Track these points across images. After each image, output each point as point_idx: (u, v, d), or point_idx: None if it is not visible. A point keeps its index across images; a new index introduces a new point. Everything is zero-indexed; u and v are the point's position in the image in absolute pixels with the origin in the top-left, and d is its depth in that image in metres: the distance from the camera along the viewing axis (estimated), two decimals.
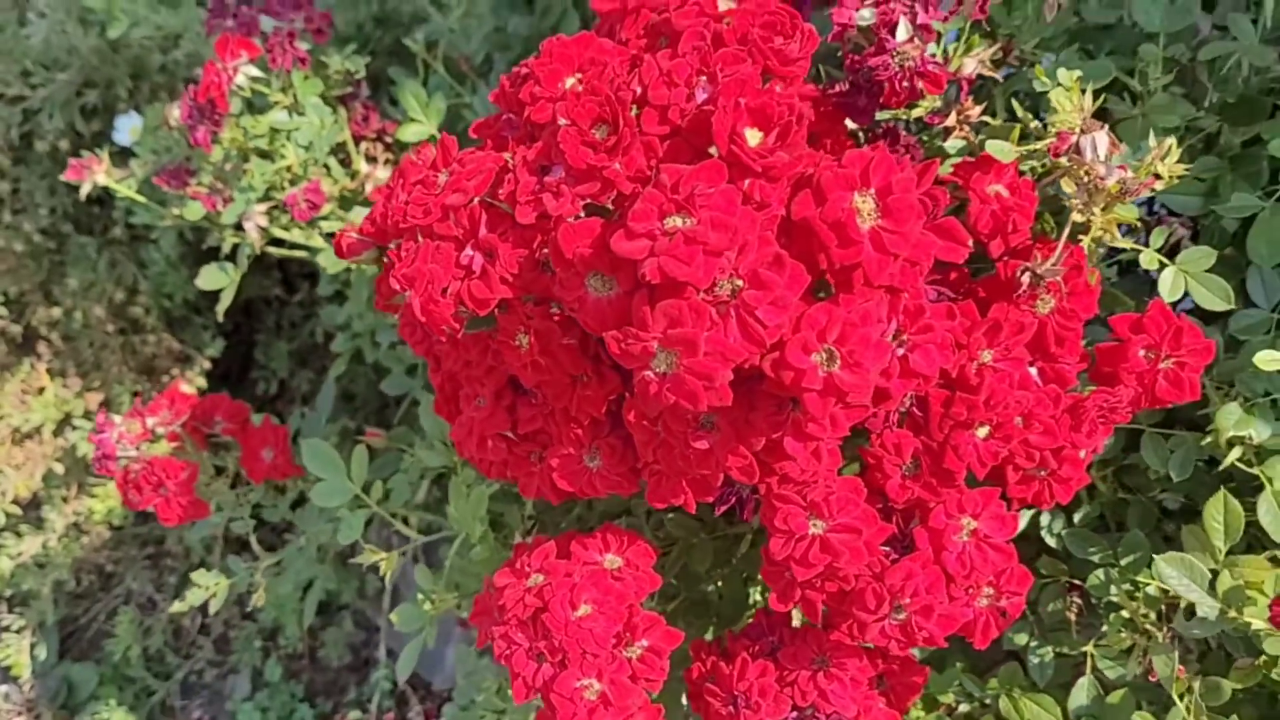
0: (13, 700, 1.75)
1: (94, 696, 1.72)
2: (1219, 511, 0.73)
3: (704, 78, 0.58)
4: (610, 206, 0.59)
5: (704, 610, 0.92)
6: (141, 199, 1.05)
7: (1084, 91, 0.67)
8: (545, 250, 0.60)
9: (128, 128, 1.16)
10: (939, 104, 0.72)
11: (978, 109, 0.72)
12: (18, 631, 1.59)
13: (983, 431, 0.67)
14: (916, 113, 0.71)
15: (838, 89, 0.69)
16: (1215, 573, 0.72)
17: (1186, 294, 0.71)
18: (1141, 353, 0.70)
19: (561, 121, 0.58)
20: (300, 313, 1.54)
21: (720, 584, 0.92)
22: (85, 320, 1.34)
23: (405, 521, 0.99)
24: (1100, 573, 0.87)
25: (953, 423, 0.67)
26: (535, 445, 0.76)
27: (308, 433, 1.05)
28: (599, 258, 0.57)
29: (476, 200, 0.62)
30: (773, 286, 0.54)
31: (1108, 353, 0.71)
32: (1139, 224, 0.73)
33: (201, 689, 1.74)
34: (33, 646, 1.65)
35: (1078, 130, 0.66)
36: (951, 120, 0.72)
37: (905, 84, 0.65)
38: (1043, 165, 0.72)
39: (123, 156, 1.15)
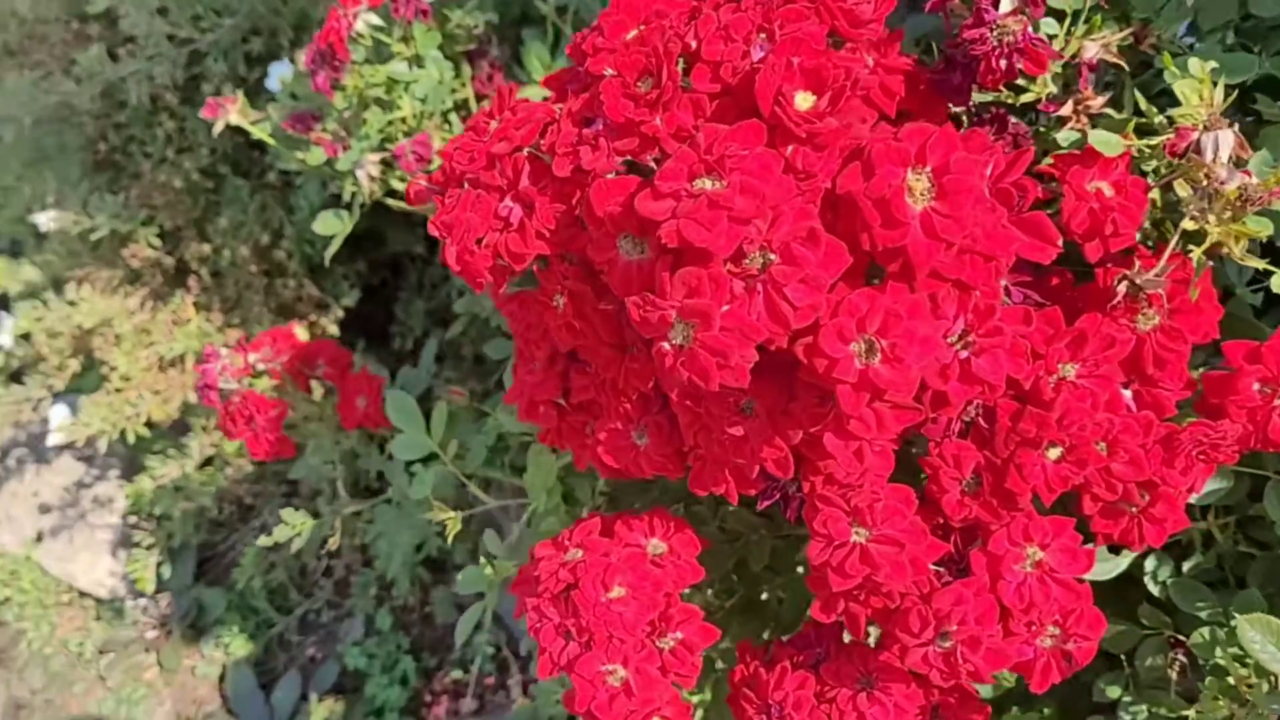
0: (149, 614, 1.85)
1: (219, 621, 1.80)
2: None
3: (763, 35, 0.54)
4: (653, 166, 0.56)
5: (761, 613, 0.87)
6: (272, 141, 1.07)
7: (1215, 85, 0.59)
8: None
9: (279, 75, 1.19)
10: (1055, 91, 0.66)
11: (1100, 100, 0.65)
12: (148, 549, 1.67)
13: (1054, 453, 0.61)
14: (1027, 98, 0.65)
15: (934, 65, 0.63)
16: None
17: None
18: (1256, 386, 0.62)
19: (608, 72, 0.55)
20: (440, 273, 1.56)
21: (782, 588, 0.87)
22: (233, 259, 1.40)
23: (486, 486, 0.98)
24: (1207, 630, 0.78)
25: (1019, 439, 0.60)
26: (588, 416, 0.74)
27: (406, 387, 1.05)
28: (628, 218, 0.53)
29: (525, 151, 0.60)
30: (805, 263, 0.50)
31: (1216, 382, 0.63)
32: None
33: (319, 628, 1.80)
34: (159, 565, 1.74)
35: (1201, 127, 0.58)
36: (1067, 109, 0.65)
37: (1003, 61, 0.59)
38: (1166, 166, 0.64)
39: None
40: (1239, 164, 0.58)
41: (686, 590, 0.83)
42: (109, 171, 1.43)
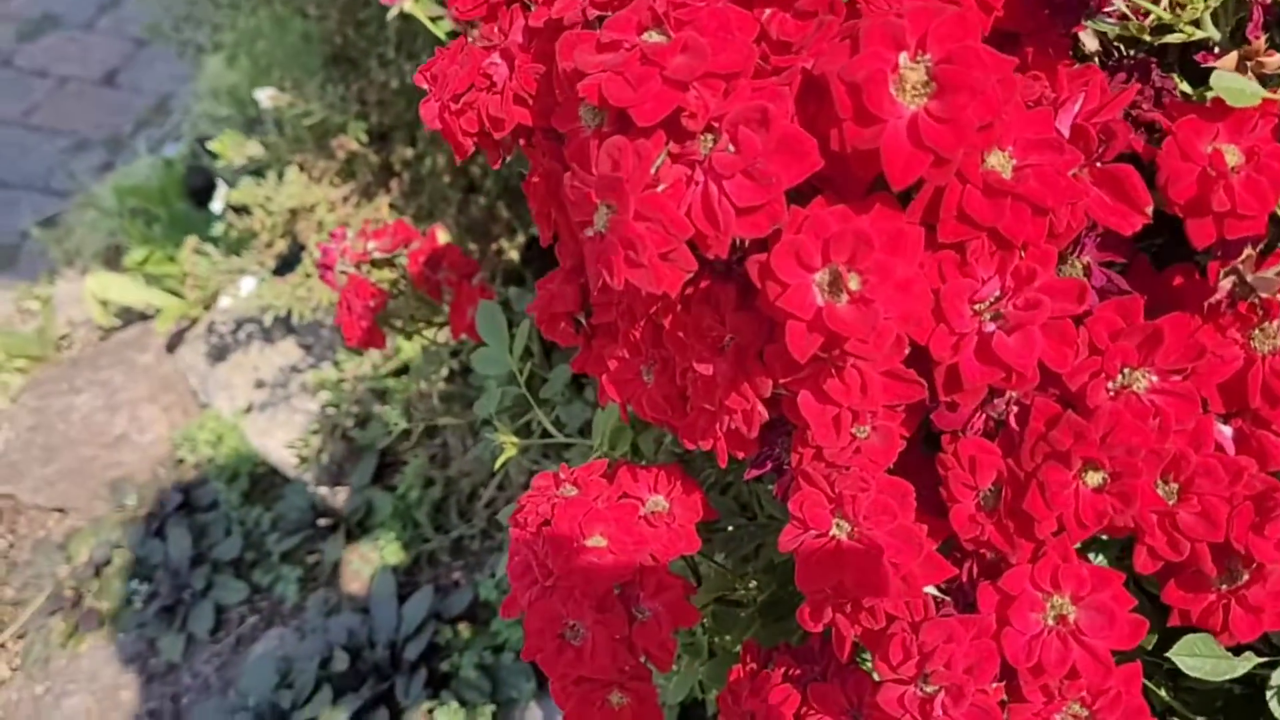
0: (328, 504, 1.93)
1: (384, 525, 1.84)
2: None
3: None
4: None
5: (785, 613, 0.76)
6: (439, 31, 1.05)
7: None
8: None
9: None
10: (1219, 36, 0.51)
11: (1278, 56, 0.50)
12: (317, 434, 1.72)
13: (1094, 478, 0.47)
14: (1174, 38, 0.51)
15: None
16: None
17: None
18: None
19: None
20: None
21: None
22: (433, 167, 1.40)
23: (558, 420, 0.92)
24: None
25: (1049, 451, 0.47)
26: (608, 340, 0.66)
27: (519, 308, 1.01)
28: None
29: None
30: (750, 151, 0.40)
31: None
32: None
33: (469, 554, 1.80)
34: (343, 461, 1.79)
35: None
36: (1228, 63, 0.50)
37: None
38: None
39: None
40: None
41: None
42: (344, 66, 1.48)
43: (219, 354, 2.00)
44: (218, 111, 2.05)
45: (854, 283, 0.42)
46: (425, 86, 0.54)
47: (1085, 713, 0.52)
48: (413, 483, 1.70)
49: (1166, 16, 0.49)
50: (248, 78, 1.74)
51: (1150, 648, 0.67)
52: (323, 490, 1.92)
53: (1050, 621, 0.51)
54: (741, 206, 0.41)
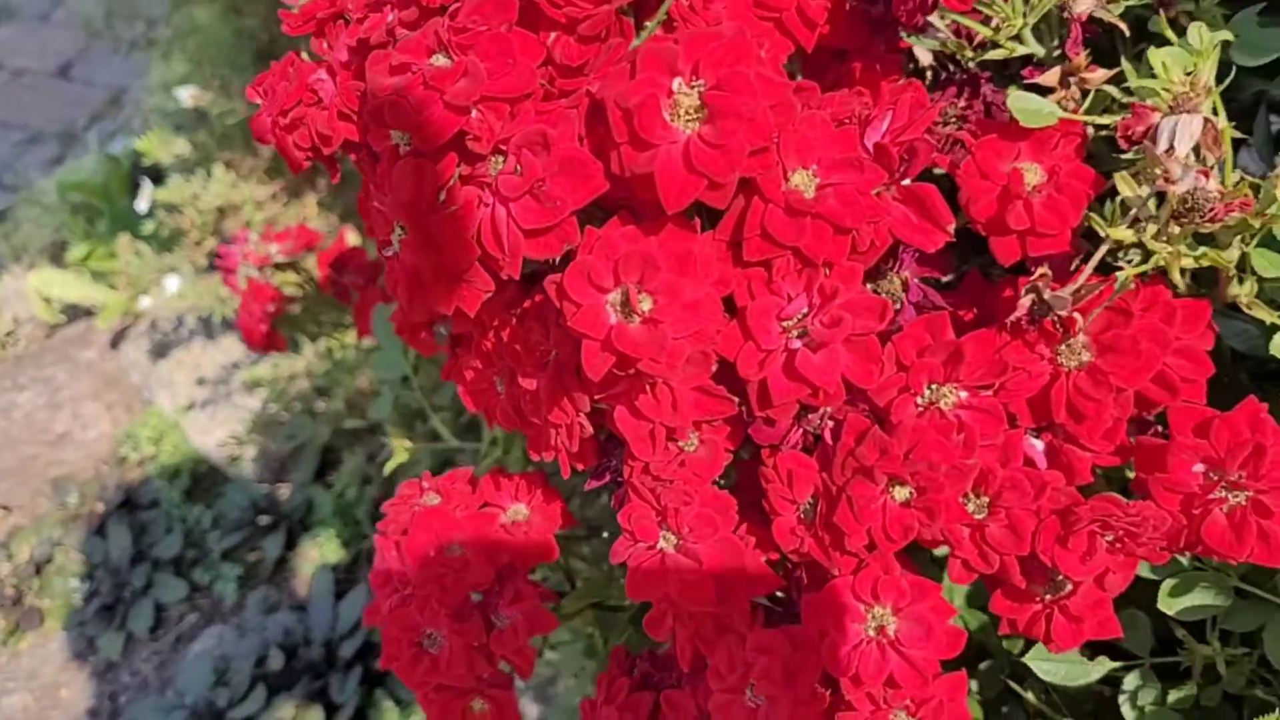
0: (268, 499, 1.92)
1: (324, 522, 1.84)
2: None
3: None
4: None
5: None
6: None
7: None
8: None
9: None
10: (1041, 52, 0.52)
11: (1102, 73, 0.51)
12: (252, 432, 1.72)
13: (900, 493, 0.47)
14: (995, 55, 0.51)
15: None
16: None
17: None
18: (1198, 467, 0.46)
19: None
20: None
21: None
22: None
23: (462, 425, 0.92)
24: None
25: (857, 466, 0.47)
26: (466, 351, 0.66)
27: None
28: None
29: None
30: (533, 173, 0.40)
31: (1148, 453, 0.47)
32: None
33: None
34: (286, 458, 1.79)
35: (1165, 110, 0.44)
36: (1052, 78, 0.51)
37: None
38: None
39: None
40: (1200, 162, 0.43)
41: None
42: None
43: (161, 351, 2.00)
44: (167, 106, 2.04)
45: (645, 303, 0.42)
46: (257, 100, 0.54)
47: None
48: (350, 481, 1.70)
49: (986, 32, 0.49)
50: (186, 74, 1.74)
51: (1016, 652, 0.68)
52: (264, 488, 1.92)
53: (871, 633, 0.51)
54: (528, 229, 0.41)
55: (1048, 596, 0.53)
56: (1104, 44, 0.54)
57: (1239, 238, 0.46)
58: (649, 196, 0.42)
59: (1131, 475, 0.52)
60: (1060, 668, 0.64)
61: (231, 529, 1.87)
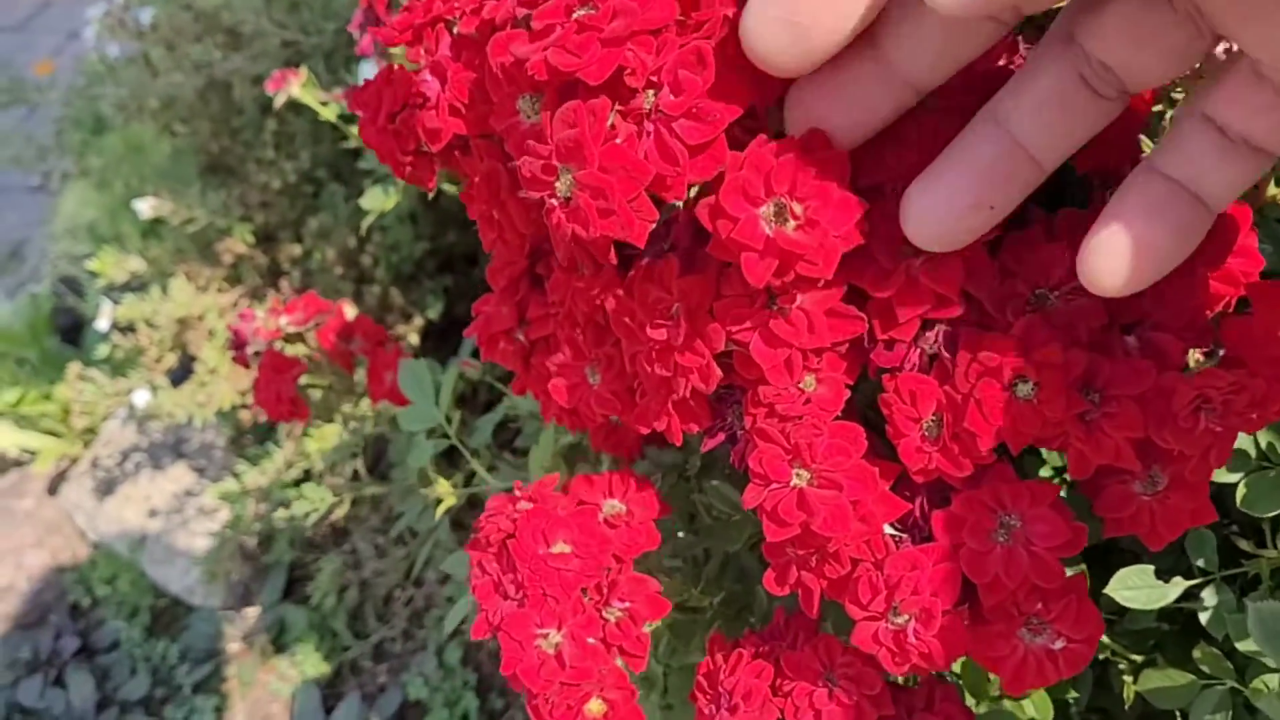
0: (237, 626, 1.86)
1: (299, 639, 1.79)
2: None
3: None
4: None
5: (743, 607, 0.78)
6: (336, 120, 1.08)
7: None
8: None
9: (364, 73, 1.21)
10: None
11: None
12: (229, 557, 1.68)
13: (1024, 389, 0.51)
14: None
15: None
16: None
17: None
18: None
19: None
20: None
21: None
22: (322, 262, 1.41)
23: (492, 468, 0.93)
24: (1270, 679, 0.65)
25: (981, 370, 0.51)
26: (548, 353, 0.68)
27: (432, 369, 1.02)
28: (522, 70, 0.48)
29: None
30: (692, 90, 0.44)
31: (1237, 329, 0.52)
32: None
33: (392, 656, 1.76)
34: (250, 581, 1.74)
35: None
36: None
37: None
38: None
39: None
40: None
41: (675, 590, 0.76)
42: (222, 173, 1.48)
43: (106, 488, 1.94)
44: (76, 250, 2.02)
45: (798, 208, 0.45)
46: (358, 113, 0.56)
47: (1042, 624, 0.55)
48: (327, 589, 1.66)
49: None
50: (114, 205, 1.73)
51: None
52: (230, 614, 1.86)
53: (1003, 538, 0.54)
54: (692, 144, 0.44)
55: (1146, 494, 0.56)
56: None
57: None
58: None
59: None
60: (1140, 594, 0.68)
61: (201, 660, 1.81)
